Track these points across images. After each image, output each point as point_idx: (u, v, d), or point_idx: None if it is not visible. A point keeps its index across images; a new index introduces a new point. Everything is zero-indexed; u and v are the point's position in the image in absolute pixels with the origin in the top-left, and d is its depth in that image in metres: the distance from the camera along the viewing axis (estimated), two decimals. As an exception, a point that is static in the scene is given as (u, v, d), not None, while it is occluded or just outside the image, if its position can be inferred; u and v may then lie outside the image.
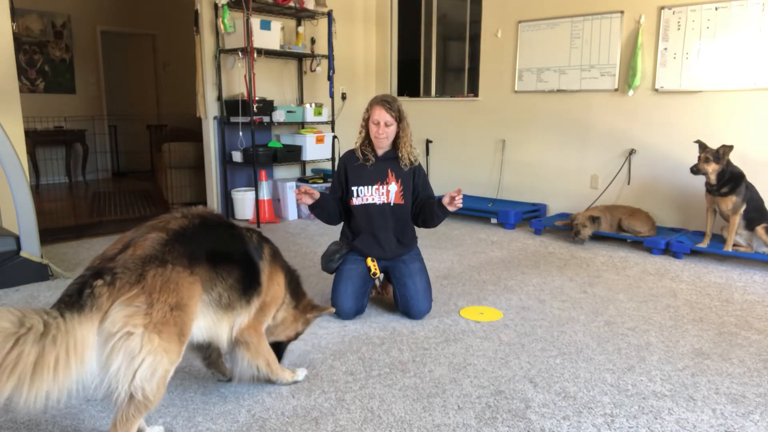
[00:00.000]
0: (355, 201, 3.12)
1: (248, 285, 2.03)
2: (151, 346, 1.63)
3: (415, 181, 3.15)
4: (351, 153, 3.20)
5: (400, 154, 3.11)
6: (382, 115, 3.00)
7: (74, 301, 1.57)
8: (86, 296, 1.57)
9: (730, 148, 4.10)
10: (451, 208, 2.98)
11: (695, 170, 4.21)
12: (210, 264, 1.86)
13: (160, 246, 1.75)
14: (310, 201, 3.01)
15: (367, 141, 3.14)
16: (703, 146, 4.20)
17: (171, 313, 1.68)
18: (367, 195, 3.10)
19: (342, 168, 3.19)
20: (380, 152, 3.13)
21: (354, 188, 3.11)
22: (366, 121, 3.10)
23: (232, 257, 1.97)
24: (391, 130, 3.05)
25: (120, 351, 1.59)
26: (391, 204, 3.10)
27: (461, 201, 2.95)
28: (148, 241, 1.75)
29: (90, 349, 1.56)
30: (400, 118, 3.06)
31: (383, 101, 3.03)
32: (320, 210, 3.11)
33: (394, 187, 3.11)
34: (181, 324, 1.73)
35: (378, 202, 3.10)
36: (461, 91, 6.55)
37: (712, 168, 4.12)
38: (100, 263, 1.69)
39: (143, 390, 1.64)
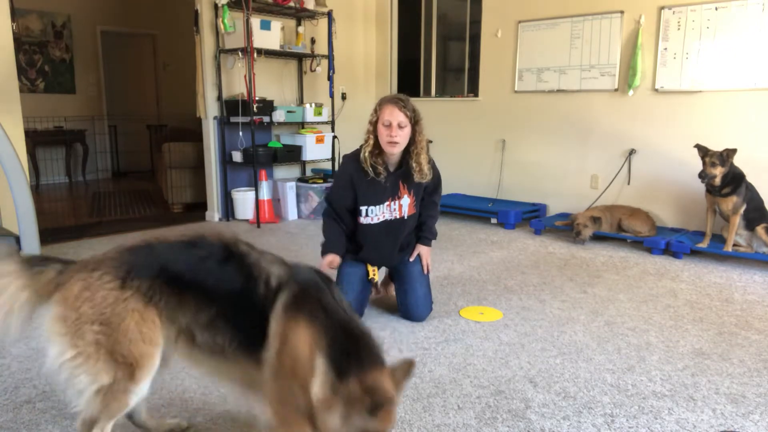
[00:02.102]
0: (363, 221, 2.87)
1: (248, 335, 1.54)
2: (69, 359, 1.50)
3: (427, 187, 2.95)
4: (356, 164, 2.81)
5: (414, 165, 2.75)
6: (394, 114, 2.62)
7: (34, 264, 1.55)
8: (43, 265, 1.56)
9: (734, 151, 4.08)
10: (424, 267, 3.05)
11: (703, 175, 4.16)
12: (172, 287, 1.54)
13: (112, 253, 1.59)
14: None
15: (377, 151, 2.75)
16: (704, 150, 4.18)
17: (90, 326, 1.49)
18: (378, 215, 2.86)
19: (348, 179, 2.82)
20: (392, 166, 2.82)
21: (363, 208, 2.83)
22: (374, 125, 2.71)
23: (214, 290, 1.55)
24: (405, 134, 2.68)
25: (48, 355, 1.52)
26: (405, 217, 2.92)
27: (427, 268, 3.07)
28: (112, 251, 1.61)
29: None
30: (415, 120, 2.69)
31: (396, 99, 2.67)
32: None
33: (406, 200, 2.86)
34: (111, 343, 1.50)
35: (389, 218, 2.88)
36: (461, 91, 6.55)
37: (719, 171, 4.10)
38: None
39: (78, 405, 1.56)
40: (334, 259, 2.83)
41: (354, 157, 2.84)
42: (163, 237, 1.65)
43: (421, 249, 3.06)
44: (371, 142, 2.75)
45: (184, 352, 1.61)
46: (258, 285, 1.56)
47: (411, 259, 3.03)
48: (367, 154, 2.75)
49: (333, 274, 2.85)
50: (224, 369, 1.62)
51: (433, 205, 3.11)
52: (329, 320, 1.49)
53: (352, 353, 1.44)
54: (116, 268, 1.53)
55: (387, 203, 2.85)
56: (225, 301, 1.55)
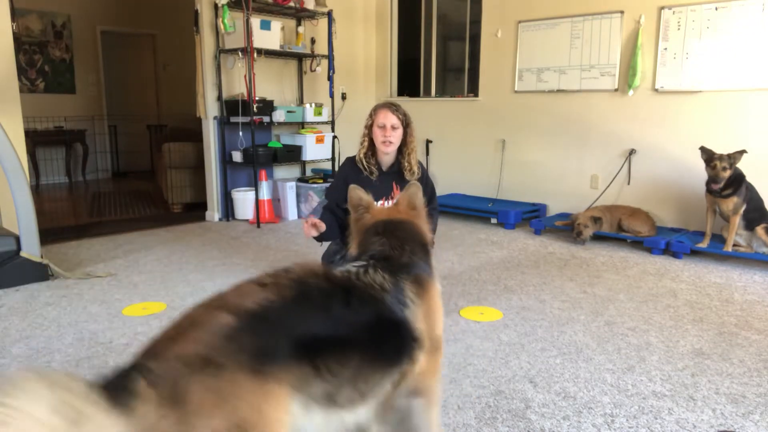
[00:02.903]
0: None
1: (396, 351, 1.45)
2: None
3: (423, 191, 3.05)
4: (352, 163, 3.03)
5: (405, 163, 2.96)
6: (388, 117, 2.89)
7: (117, 394, 1.05)
8: (129, 393, 1.06)
9: (742, 152, 4.07)
10: None
11: (715, 180, 4.09)
12: (301, 358, 1.25)
13: (222, 340, 1.16)
14: (315, 233, 2.87)
15: (371, 152, 2.99)
16: (709, 153, 4.15)
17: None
18: None
19: (343, 178, 3.01)
20: (384, 166, 3.00)
21: None
22: (369, 128, 2.96)
23: (352, 336, 1.34)
24: (398, 135, 2.92)
25: None
26: None
27: None
28: (206, 330, 1.18)
29: None
30: (406, 123, 2.94)
31: (388, 104, 2.93)
32: (323, 236, 2.94)
33: None
34: None
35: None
36: (461, 91, 6.55)
37: (728, 174, 4.09)
38: (143, 357, 1.16)
39: None
40: (319, 222, 2.84)
41: (352, 159, 3.06)
42: (267, 300, 1.25)
43: None
44: (366, 144, 2.98)
45: (316, 421, 1.32)
46: (385, 300, 1.44)
47: None
48: (362, 155, 3.00)
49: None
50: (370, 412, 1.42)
51: (429, 216, 3.12)
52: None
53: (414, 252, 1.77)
54: (245, 358, 1.18)
55: (381, 202, 2.95)
56: (365, 343, 1.37)
